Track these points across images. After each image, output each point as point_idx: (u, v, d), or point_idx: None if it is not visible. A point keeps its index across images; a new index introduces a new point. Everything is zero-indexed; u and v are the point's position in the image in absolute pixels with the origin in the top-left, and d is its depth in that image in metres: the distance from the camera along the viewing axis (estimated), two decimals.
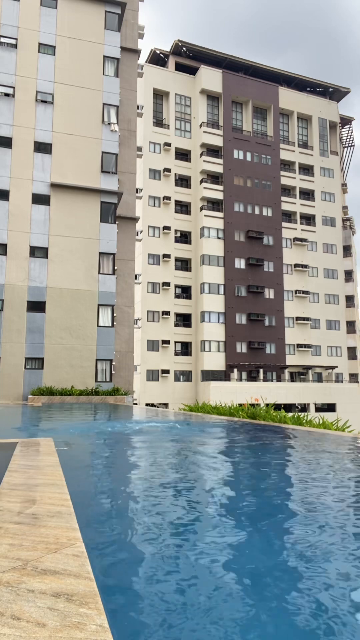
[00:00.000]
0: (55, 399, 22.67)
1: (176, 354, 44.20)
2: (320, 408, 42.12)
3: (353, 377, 51.46)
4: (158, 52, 49.50)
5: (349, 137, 58.92)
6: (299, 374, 47.97)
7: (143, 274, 43.11)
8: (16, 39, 26.12)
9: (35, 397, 22.55)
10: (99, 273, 26.07)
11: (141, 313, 42.87)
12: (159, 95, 47.67)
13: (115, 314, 26.75)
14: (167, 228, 44.74)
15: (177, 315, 45.18)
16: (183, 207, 46.94)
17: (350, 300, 52.38)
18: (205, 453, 7.08)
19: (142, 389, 41.79)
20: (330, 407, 42.67)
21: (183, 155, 47.62)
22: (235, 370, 43.38)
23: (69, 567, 2.26)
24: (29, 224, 25.25)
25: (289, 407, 39.66)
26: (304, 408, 42.16)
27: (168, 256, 44.62)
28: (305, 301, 49.07)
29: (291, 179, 50.90)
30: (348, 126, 58.55)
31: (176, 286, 45.42)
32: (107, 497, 4.44)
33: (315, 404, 42.56)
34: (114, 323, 26.56)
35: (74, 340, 25.21)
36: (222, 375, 43.38)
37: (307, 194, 52.15)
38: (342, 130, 57.81)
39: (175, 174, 46.62)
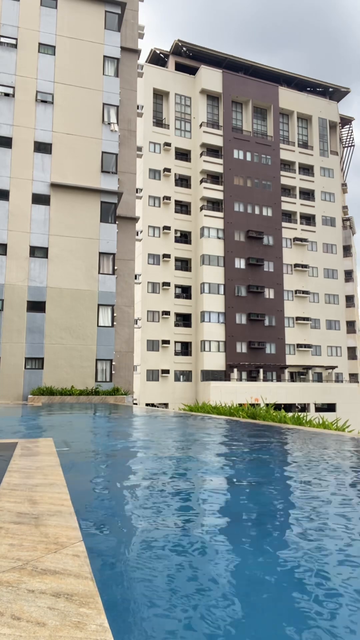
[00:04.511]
0: (55, 399, 22.68)
1: (176, 354, 44.21)
2: (320, 408, 42.13)
3: (353, 377, 51.48)
4: (158, 52, 49.50)
5: (349, 137, 58.93)
6: (299, 374, 47.98)
7: (143, 274, 43.12)
8: (16, 39, 26.13)
9: (35, 397, 22.56)
10: (99, 273, 26.08)
11: (141, 313, 42.88)
12: (159, 95, 47.68)
13: (115, 314, 26.75)
14: (167, 228, 44.75)
15: (177, 315, 45.19)
16: (183, 207, 46.95)
17: (350, 300, 52.40)
18: (207, 451, 7.08)
19: (142, 389, 41.80)
20: (330, 407, 42.68)
21: (183, 155, 47.63)
22: (235, 370, 43.39)
23: (69, 567, 2.26)
24: (29, 224, 25.26)
25: (289, 407, 39.67)
26: (304, 408, 42.16)
27: (168, 256, 44.63)
28: (305, 301, 49.08)
29: (291, 179, 50.92)
30: (348, 126, 58.57)
31: (176, 286, 45.43)
32: (107, 494, 4.44)
33: (315, 404, 42.56)
34: (114, 323, 26.57)
35: (74, 340, 25.22)
36: (222, 375, 43.39)
37: (307, 194, 52.17)
38: (342, 130, 57.83)
39: (175, 174, 46.63)
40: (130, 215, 29.14)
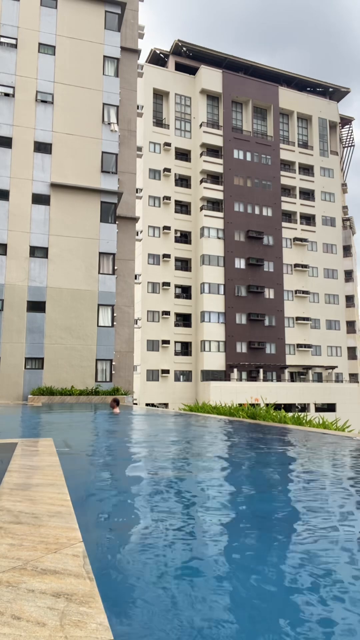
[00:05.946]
0: (56, 399, 22.68)
1: (176, 354, 44.20)
2: (320, 408, 42.14)
3: (353, 377, 51.48)
4: (158, 52, 49.49)
5: (349, 137, 58.93)
6: (299, 374, 47.98)
7: (143, 274, 43.12)
8: (16, 39, 26.12)
9: (35, 397, 22.55)
10: (99, 273, 26.07)
11: (141, 313, 42.87)
12: (159, 95, 47.67)
13: (115, 314, 26.75)
14: (167, 228, 44.75)
15: (177, 315, 45.18)
16: (183, 207, 46.94)
17: (350, 300, 52.39)
18: (206, 452, 7.09)
19: (142, 389, 41.80)
20: (330, 407, 42.69)
21: (183, 155, 47.62)
22: (235, 370, 43.39)
23: (69, 566, 2.27)
24: (29, 224, 25.25)
25: (289, 407, 39.68)
26: (304, 408, 42.17)
27: (168, 256, 44.63)
28: (305, 301, 49.07)
29: (291, 179, 50.91)
30: (348, 126, 58.57)
31: (176, 286, 45.43)
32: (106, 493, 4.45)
33: (315, 404, 42.56)
34: (114, 323, 26.56)
35: (74, 340, 25.21)
36: (222, 375, 43.38)
37: (307, 194, 52.16)
38: (342, 130, 57.82)
39: (175, 174, 46.62)
40: (130, 215, 29.13)
